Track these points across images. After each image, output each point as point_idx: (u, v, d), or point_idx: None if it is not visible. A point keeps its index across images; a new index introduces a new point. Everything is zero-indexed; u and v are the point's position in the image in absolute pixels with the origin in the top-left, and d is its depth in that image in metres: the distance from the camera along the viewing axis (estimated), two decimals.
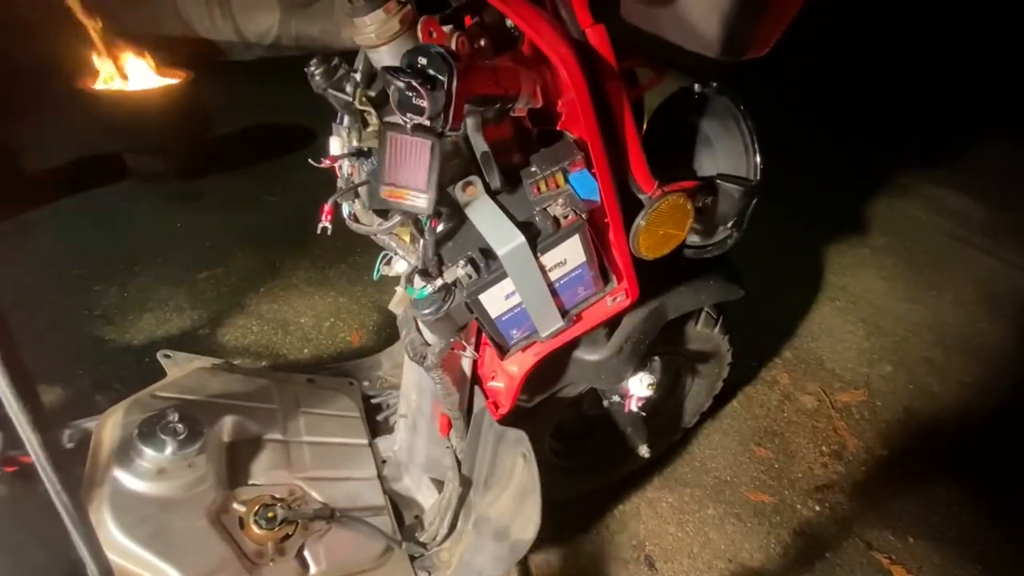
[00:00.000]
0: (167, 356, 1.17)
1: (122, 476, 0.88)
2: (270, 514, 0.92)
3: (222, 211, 2.43)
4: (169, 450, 0.91)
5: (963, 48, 4.13)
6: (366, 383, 1.40)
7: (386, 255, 0.95)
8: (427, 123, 0.53)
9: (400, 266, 0.99)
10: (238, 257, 2.14)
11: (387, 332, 1.83)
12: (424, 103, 0.52)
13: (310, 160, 0.78)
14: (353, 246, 2.14)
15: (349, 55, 0.75)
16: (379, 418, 1.34)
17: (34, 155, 2.59)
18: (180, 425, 0.93)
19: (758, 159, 0.78)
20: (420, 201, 0.60)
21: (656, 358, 1.24)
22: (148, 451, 0.90)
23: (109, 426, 0.95)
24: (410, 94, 0.52)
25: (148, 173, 2.58)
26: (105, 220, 2.32)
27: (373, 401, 1.37)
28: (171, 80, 2.59)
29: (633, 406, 1.10)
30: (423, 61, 0.55)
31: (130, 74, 2.55)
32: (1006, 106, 3.67)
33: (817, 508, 1.44)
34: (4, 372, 0.48)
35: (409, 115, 0.54)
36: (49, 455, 0.64)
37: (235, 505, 0.93)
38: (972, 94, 3.87)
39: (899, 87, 4.06)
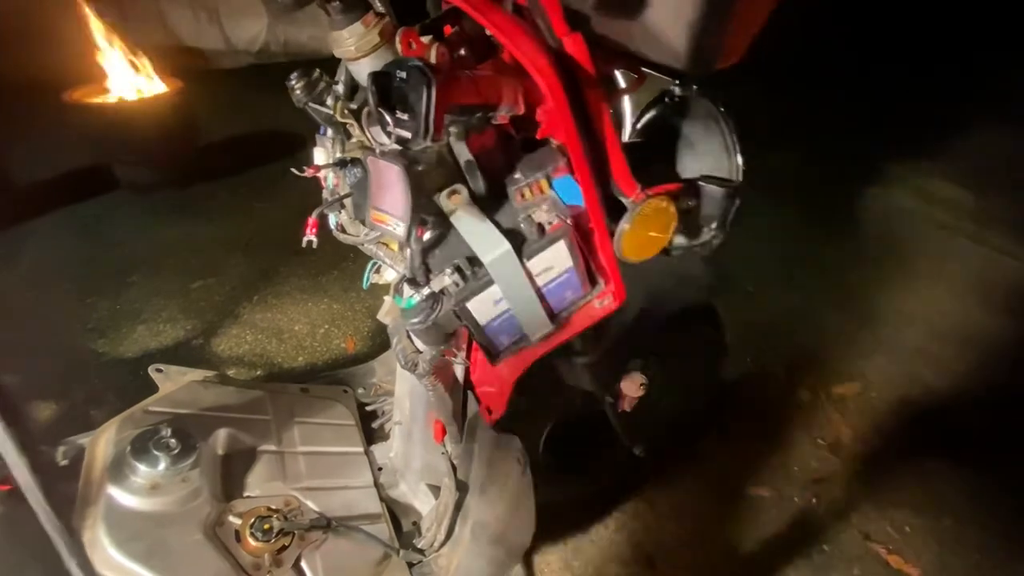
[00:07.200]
0: (159, 371, 1.16)
1: (116, 493, 0.87)
2: (266, 526, 0.92)
3: (213, 220, 2.42)
4: (162, 465, 0.90)
5: (947, 38, 4.15)
6: (361, 390, 1.40)
7: (375, 264, 0.95)
8: (397, 147, 0.54)
9: (390, 274, 0.99)
10: (230, 266, 2.13)
11: (381, 337, 1.83)
12: (400, 131, 0.53)
13: (293, 169, 0.78)
14: (346, 252, 2.14)
15: (337, 62, 0.75)
16: (375, 425, 1.33)
17: (22, 168, 2.58)
18: (173, 440, 0.92)
19: (740, 160, 0.78)
20: (398, 229, 0.64)
21: (650, 357, 1.24)
22: (141, 467, 0.89)
23: (102, 443, 0.95)
24: (387, 120, 0.53)
25: (138, 184, 2.56)
26: (95, 232, 2.31)
27: (368, 408, 1.36)
28: (160, 90, 2.58)
29: (627, 406, 1.11)
30: (401, 75, 0.55)
31: (129, 80, 2.54)
32: (990, 95, 3.69)
33: (815, 500, 1.45)
34: None
35: (385, 138, 0.54)
36: (36, 478, 0.64)
37: (230, 518, 0.92)
38: (955, 82, 3.89)
39: (883, 78, 4.08)
